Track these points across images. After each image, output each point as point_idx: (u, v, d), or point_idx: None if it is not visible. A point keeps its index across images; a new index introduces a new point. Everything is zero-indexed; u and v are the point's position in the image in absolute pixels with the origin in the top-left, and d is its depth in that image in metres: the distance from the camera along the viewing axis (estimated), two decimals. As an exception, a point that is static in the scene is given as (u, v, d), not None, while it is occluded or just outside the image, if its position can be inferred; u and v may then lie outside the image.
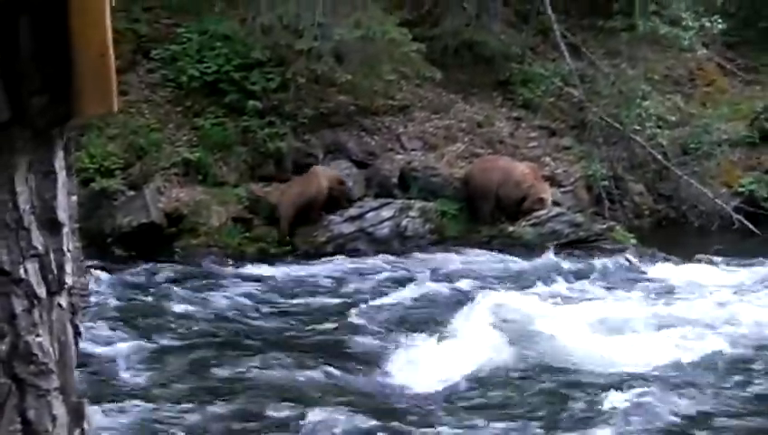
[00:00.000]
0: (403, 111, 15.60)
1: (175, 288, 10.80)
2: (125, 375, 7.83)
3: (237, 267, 11.92)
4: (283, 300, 10.34)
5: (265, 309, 9.98)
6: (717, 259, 12.70)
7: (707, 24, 16.75)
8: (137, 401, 7.11)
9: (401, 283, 11.00)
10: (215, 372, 7.84)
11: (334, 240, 13.43)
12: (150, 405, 7.04)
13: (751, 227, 15.17)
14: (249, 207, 13.55)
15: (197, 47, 14.54)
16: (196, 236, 12.96)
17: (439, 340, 8.25)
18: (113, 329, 8.88)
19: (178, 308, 9.85)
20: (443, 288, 10.56)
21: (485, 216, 13.95)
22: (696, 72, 18.51)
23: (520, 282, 10.88)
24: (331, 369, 7.72)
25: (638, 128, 16.04)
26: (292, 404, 6.94)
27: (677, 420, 6.52)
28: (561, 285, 10.86)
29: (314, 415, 6.68)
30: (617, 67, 16.90)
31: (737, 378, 7.34)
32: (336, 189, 13.58)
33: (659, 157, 15.99)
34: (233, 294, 10.58)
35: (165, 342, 8.67)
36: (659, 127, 16.45)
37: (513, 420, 6.61)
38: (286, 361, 7.97)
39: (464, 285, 10.76)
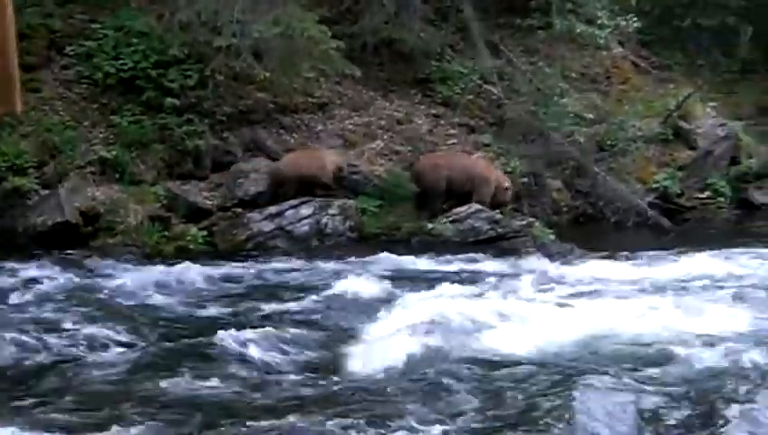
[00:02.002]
0: (322, 108, 15.59)
1: (82, 287, 10.57)
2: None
3: (153, 266, 11.73)
4: (189, 303, 10.13)
5: (170, 311, 9.77)
6: (631, 255, 12.92)
7: (622, 23, 17.09)
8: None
9: (318, 282, 10.94)
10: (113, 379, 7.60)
11: (254, 238, 13.36)
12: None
13: (665, 222, 15.49)
14: (167, 205, 13.40)
15: (113, 43, 14.35)
16: (112, 235, 12.78)
17: (356, 340, 8.23)
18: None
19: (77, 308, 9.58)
20: (361, 287, 10.53)
21: (437, 210, 14.04)
22: (612, 70, 18.84)
23: (439, 279, 10.91)
24: (236, 375, 7.58)
25: (555, 125, 16.26)
26: (189, 415, 6.77)
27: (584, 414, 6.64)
28: (478, 282, 10.91)
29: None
30: (534, 65, 17.14)
31: (642, 370, 7.48)
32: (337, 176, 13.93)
33: (577, 154, 16.22)
34: (142, 294, 10.37)
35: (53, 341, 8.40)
36: (577, 124, 16.72)
37: (428, 419, 6.63)
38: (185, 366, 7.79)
39: (382, 283, 10.75)
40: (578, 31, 17.05)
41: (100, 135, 13.99)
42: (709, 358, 7.80)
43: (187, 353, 8.10)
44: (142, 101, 14.12)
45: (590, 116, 17.28)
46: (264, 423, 6.51)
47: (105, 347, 8.36)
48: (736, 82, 19.87)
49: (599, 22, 16.96)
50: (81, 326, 8.81)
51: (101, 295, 10.25)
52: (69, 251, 12.24)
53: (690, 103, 17.79)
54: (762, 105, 19.57)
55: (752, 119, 19.08)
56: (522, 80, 16.71)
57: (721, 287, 10.67)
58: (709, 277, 11.23)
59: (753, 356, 7.73)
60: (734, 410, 6.54)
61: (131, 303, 10.00)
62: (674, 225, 15.53)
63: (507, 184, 14.55)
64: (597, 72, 18.64)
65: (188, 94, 14.19)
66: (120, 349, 8.31)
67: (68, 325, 8.87)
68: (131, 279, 10.95)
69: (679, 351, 7.93)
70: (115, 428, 6.40)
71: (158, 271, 11.37)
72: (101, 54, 14.30)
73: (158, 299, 10.23)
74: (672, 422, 6.54)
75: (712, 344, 8.18)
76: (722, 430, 6.33)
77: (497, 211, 13.98)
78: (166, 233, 13.02)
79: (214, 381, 7.39)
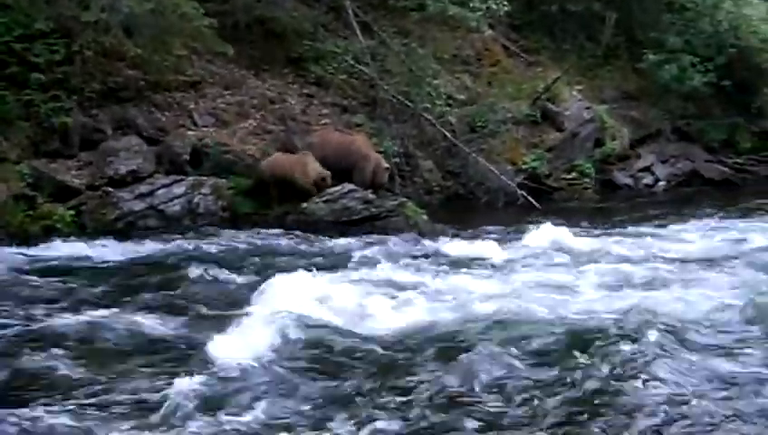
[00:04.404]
0: (194, 86, 15.39)
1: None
2: None
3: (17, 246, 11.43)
4: (46, 282, 9.91)
5: (28, 292, 9.55)
6: (499, 234, 13.23)
7: (493, 6, 17.31)
8: None
9: (189, 261, 10.81)
10: None
11: (124, 218, 13.15)
12: None
13: (533, 202, 15.87)
14: (33, 184, 13.02)
15: (-26, 16, 13.84)
16: (-26, 214, 12.37)
17: (217, 325, 8.14)
18: None
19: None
20: (233, 267, 10.47)
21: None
22: (483, 53, 19.13)
23: (309, 259, 10.95)
24: (106, 361, 7.47)
25: (427, 106, 16.44)
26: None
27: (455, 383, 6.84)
28: (350, 262, 10.99)
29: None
30: (407, 46, 17.25)
31: (511, 346, 7.68)
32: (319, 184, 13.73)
33: (448, 135, 16.45)
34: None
35: None
36: (448, 105, 16.94)
37: (303, 399, 6.68)
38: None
39: (253, 263, 10.72)
40: (450, 13, 17.22)
41: (-39, 111, 13.49)
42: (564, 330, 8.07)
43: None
44: (5, 76, 13.65)
45: (462, 97, 17.55)
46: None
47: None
48: (600, 66, 20.43)
49: (471, 4, 17.15)
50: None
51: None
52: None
53: (557, 86, 18.24)
54: (624, 89, 20.20)
55: (615, 102, 19.69)
56: (394, 60, 16.82)
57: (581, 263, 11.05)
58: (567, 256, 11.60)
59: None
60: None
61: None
62: (542, 205, 15.90)
63: (386, 164, 14.63)
64: (468, 55, 18.91)
65: (55, 70, 13.80)
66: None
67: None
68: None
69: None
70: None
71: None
72: (-38, 28, 13.77)
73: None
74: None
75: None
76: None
77: (370, 191, 14.05)
78: (31, 212, 12.67)
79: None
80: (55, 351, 7.53)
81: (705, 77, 19.18)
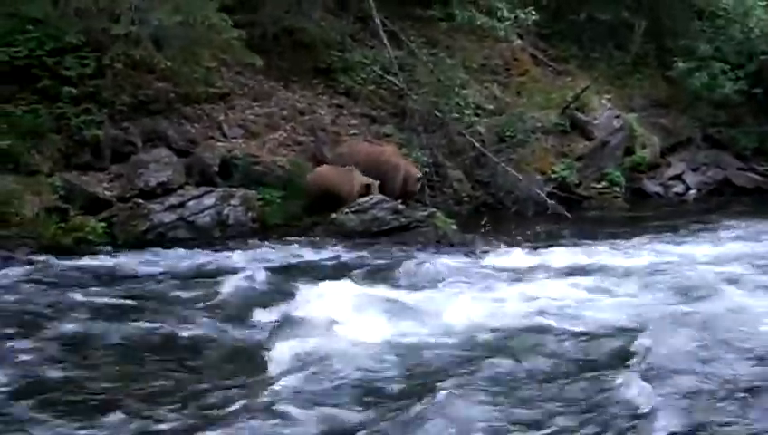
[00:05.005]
0: (224, 98, 15.44)
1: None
2: None
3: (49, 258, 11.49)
4: (88, 294, 9.96)
5: (70, 303, 9.59)
6: (532, 244, 13.17)
7: (521, 16, 17.34)
8: None
9: (219, 273, 10.83)
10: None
11: (154, 229, 13.17)
12: None
13: (563, 211, 15.80)
14: (65, 196, 13.09)
15: (6, 30, 13.92)
16: (7, 226, 12.40)
17: (251, 333, 8.15)
18: None
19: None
20: (263, 278, 10.47)
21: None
22: (512, 62, 19.09)
23: (340, 270, 10.94)
24: (149, 366, 7.51)
25: (456, 116, 16.43)
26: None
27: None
28: (382, 273, 10.97)
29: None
30: (435, 56, 17.27)
31: (528, 358, 7.63)
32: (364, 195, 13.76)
33: (477, 144, 16.42)
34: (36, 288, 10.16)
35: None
36: (477, 115, 16.93)
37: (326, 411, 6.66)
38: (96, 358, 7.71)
39: (283, 274, 10.71)
40: (478, 23, 17.26)
41: (-6, 125, 13.59)
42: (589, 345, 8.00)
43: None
44: (38, 90, 13.73)
45: (491, 107, 17.52)
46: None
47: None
48: (629, 74, 20.35)
49: (498, 14, 17.19)
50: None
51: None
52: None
53: (586, 95, 18.17)
54: (653, 97, 20.11)
55: (644, 110, 19.61)
56: (423, 71, 16.82)
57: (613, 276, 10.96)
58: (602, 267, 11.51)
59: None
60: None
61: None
62: (572, 214, 15.83)
63: (418, 174, 14.60)
64: (497, 64, 18.88)
65: (86, 83, 13.87)
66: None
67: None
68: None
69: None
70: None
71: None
72: (-6, 41, 13.88)
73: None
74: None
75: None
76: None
77: (401, 201, 14.03)
78: (63, 225, 12.73)
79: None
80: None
81: (736, 84, 19.06)
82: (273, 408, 6.54)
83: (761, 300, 9.48)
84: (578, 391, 6.90)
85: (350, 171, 13.93)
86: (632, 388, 6.72)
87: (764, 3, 19.85)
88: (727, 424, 6.29)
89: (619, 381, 6.91)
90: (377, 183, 13.86)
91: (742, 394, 6.74)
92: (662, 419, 6.23)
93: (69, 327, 8.59)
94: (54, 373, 7.35)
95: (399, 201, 13.96)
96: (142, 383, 7.22)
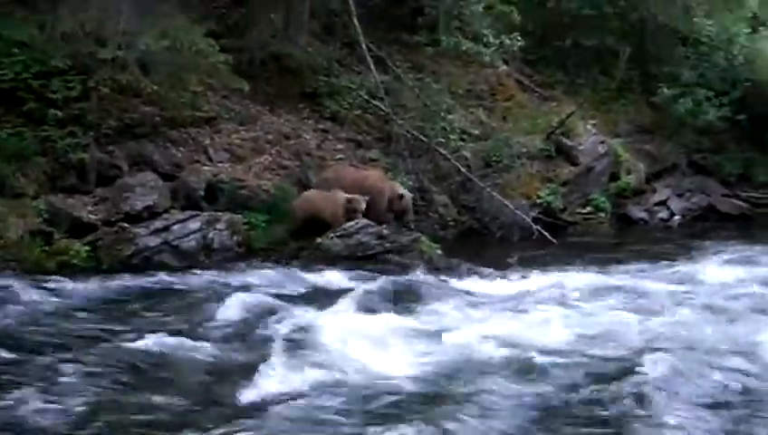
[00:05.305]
0: (210, 122, 15.44)
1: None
2: None
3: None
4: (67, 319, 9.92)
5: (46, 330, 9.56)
6: (515, 269, 13.20)
7: (507, 42, 17.42)
8: None
9: (205, 299, 10.81)
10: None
11: (140, 253, 13.13)
12: None
13: (548, 237, 15.82)
14: (49, 220, 13.06)
15: (-7, 53, 13.94)
16: (-9, 249, 12.39)
17: (235, 365, 8.14)
18: None
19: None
20: (243, 303, 10.44)
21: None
22: (497, 88, 19.18)
23: (324, 297, 10.92)
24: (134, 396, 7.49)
25: (442, 140, 16.48)
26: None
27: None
28: (364, 298, 10.94)
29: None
30: (421, 81, 17.33)
31: (516, 383, 7.63)
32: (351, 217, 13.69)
33: (463, 169, 16.46)
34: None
35: None
36: (463, 140, 16.98)
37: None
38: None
39: (266, 300, 10.68)
40: (464, 48, 17.32)
41: (-21, 147, 13.56)
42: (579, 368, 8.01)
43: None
44: (23, 113, 13.73)
45: (476, 132, 17.58)
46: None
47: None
48: (614, 100, 20.44)
49: (484, 40, 17.25)
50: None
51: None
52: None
53: (572, 121, 18.24)
54: (638, 123, 20.20)
55: (629, 136, 19.69)
56: (409, 95, 16.88)
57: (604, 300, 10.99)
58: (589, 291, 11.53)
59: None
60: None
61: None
62: (557, 239, 15.86)
63: (402, 192, 14.55)
64: (482, 89, 18.96)
65: (72, 106, 13.87)
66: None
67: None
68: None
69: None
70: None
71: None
72: (-20, 64, 13.87)
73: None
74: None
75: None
76: None
77: (384, 225, 14.02)
78: (47, 248, 12.70)
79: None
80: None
81: (720, 111, 19.18)
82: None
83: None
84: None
85: (332, 194, 13.92)
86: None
87: (748, 30, 19.99)
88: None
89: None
90: (361, 198, 13.79)
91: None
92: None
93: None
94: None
95: (384, 226, 13.94)
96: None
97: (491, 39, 17.25)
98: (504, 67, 19.22)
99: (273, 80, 16.71)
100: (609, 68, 20.60)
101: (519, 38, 17.52)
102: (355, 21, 16.45)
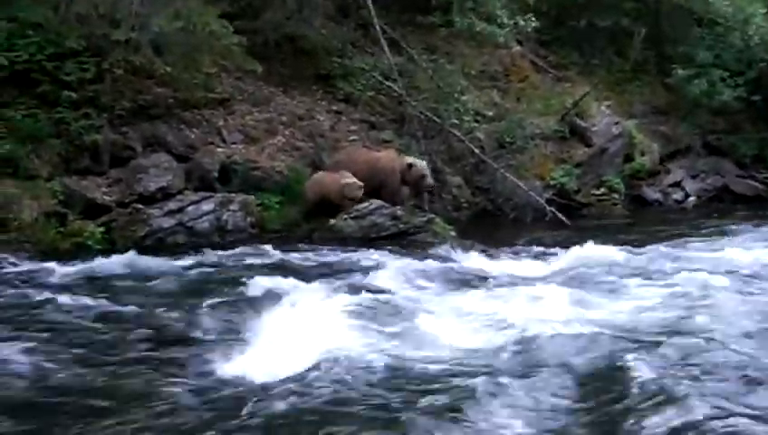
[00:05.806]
0: (223, 103, 15.46)
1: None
2: None
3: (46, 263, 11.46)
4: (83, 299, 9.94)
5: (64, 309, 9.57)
6: (529, 250, 13.16)
7: (521, 23, 17.36)
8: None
9: (219, 279, 10.81)
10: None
11: (153, 234, 13.19)
12: None
13: (562, 218, 15.81)
14: (64, 201, 13.12)
15: (6, 35, 13.95)
16: (6, 231, 12.44)
17: (247, 343, 8.13)
18: None
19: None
20: (261, 284, 10.43)
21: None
22: (511, 68, 19.13)
23: (337, 276, 10.89)
24: (145, 376, 7.51)
25: (456, 122, 16.45)
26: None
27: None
28: (378, 279, 10.92)
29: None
30: (435, 62, 17.29)
31: (523, 366, 7.59)
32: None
33: (476, 150, 16.43)
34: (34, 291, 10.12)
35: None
36: (476, 121, 16.95)
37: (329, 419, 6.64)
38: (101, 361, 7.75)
39: (280, 280, 10.68)
40: (478, 29, 17.27)
41: (-7, 129, 13.61)
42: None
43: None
44: (37, 95, 13.77)
45: (490, 113, 17.55)
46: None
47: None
48: (629, 81, 20.39)
49: (498, 21, 17.20)
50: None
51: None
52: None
53: (586, 102, 18.19)
54: (653, 104, 20.14)
55: (643, 117, 19.64)
56: (422, 77, 16.86)
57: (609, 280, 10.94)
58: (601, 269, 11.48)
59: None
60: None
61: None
62: (571, 221, 15.83)
63: (411, 161, 14.46)
64: (496, 70, 18.92)
65: (86, 88, 13.90)
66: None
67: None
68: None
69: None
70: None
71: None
72: (-6, 46, 13.91)
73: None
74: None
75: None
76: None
77: (398, 206, 14.01)
78: (62, 229, 12.75)
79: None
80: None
81: (736, 92, 19.10)
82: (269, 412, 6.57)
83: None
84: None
85: (338, 176, 13.91)
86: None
87: (764, 11, 19.86)
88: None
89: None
90: (356, 184, 13.73)
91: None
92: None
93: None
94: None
95: (398, 208, 13.95)
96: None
97: (505, 20, 17.20)
98: (518, 48, 19.18)
99: (287, 61, 16.71)
100: (623, 49, 20.51)
101: (533, 19, 17.47)
102: (369, 2, 16.42)
